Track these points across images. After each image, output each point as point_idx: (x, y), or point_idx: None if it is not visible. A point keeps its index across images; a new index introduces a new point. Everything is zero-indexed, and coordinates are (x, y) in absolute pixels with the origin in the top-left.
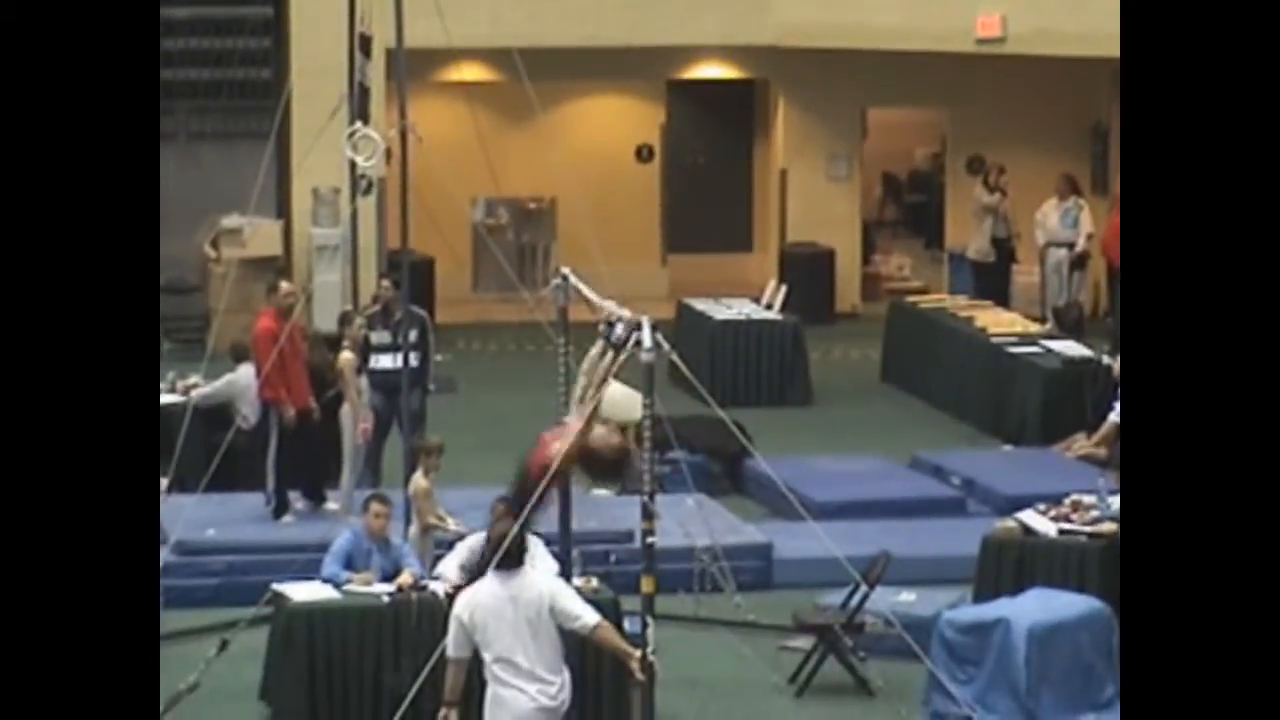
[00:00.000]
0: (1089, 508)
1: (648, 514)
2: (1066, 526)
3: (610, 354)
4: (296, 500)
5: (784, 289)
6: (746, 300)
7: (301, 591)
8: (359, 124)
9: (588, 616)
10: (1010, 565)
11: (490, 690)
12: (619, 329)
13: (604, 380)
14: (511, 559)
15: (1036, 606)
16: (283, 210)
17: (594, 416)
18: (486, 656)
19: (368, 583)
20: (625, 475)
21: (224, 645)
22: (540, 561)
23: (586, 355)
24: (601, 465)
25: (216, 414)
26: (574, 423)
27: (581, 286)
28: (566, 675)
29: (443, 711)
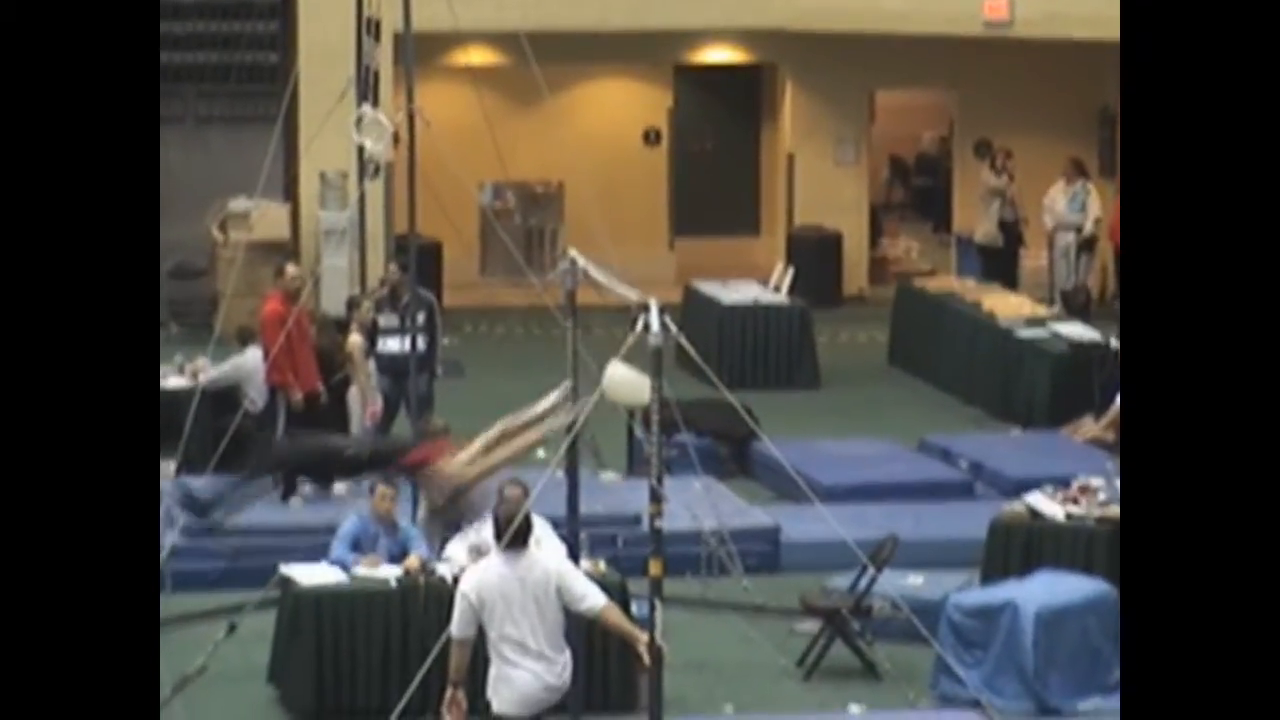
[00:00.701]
0: (1096, 491)
1: (655, 497)
2: (1074, 510)
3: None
4: (304, 483)
5: (791, 272)
6: (754, 284)
7: (309, 574)
8: (366, 107)
9: (594, 598)
10: (1018, 548)
11: (495, 669)
12: (551, 400)
13: (515, 452)
14: (518, 538)
15: (1044, 590)
16: (290, 194)
17: (486, 475)
18: (492, 635)
19: (375, 566)
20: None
21: (232, 628)
22: (548, 544)
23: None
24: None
25: (224, 397)
26: (466, 464)
27: (591, 269)
28: (568, 654)
29: (448, 691)
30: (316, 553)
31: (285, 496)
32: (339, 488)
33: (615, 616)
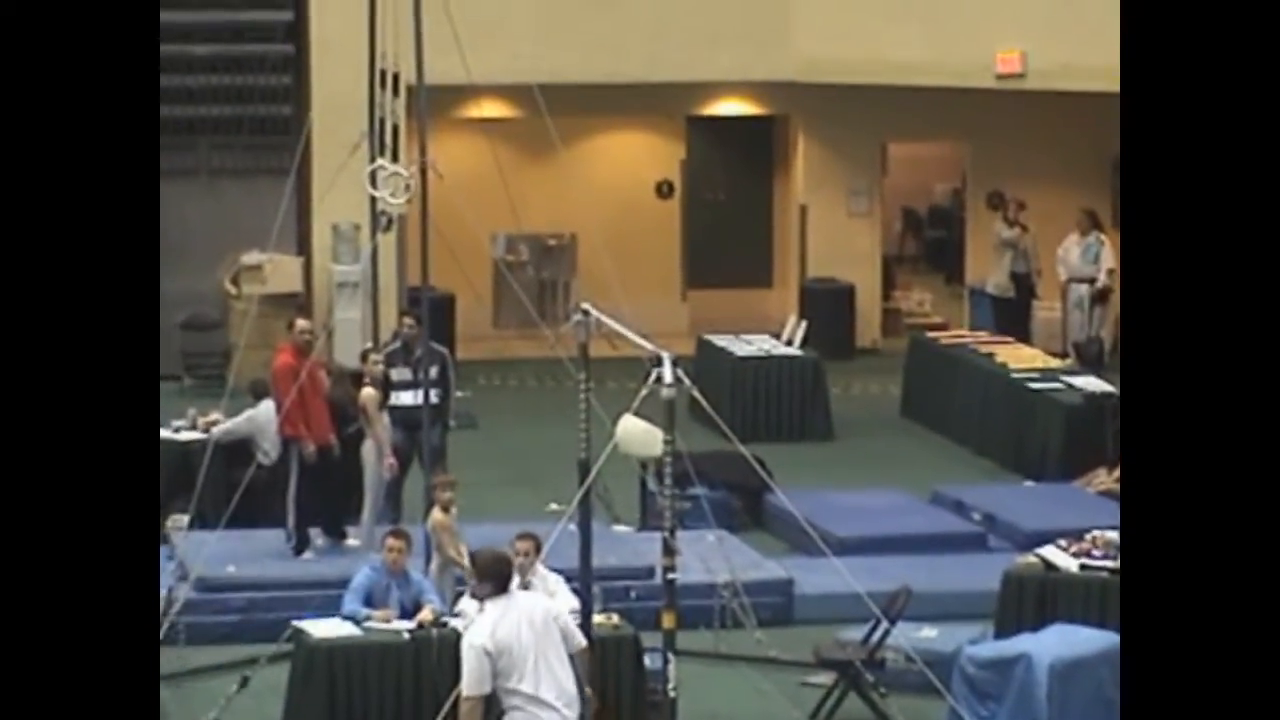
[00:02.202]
0: (1110, 543)
1: (668, 549)
2: (1087, 562)
3: None
4: (317, 536)
5: (804, 325)
6: (766, 336)
7: (322, 628)
8: (383, 160)
9: (580, 637)
10: (1031, 600)
11: (515, 716)
12: None
13: None
14: (503, 584)
15: (1058, 642)
16: (303, 246)
17: None
18: (509, 683)
19: (387, 619)
20: None
21: (245, 682)
22: (561, 596)
23: None
24: None
25: (237, 450)
26: None
27: (606, 319)
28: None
29: None
30: (329, 606)
31: (298, 551)
32: (352, 540)
33: (586, 663)
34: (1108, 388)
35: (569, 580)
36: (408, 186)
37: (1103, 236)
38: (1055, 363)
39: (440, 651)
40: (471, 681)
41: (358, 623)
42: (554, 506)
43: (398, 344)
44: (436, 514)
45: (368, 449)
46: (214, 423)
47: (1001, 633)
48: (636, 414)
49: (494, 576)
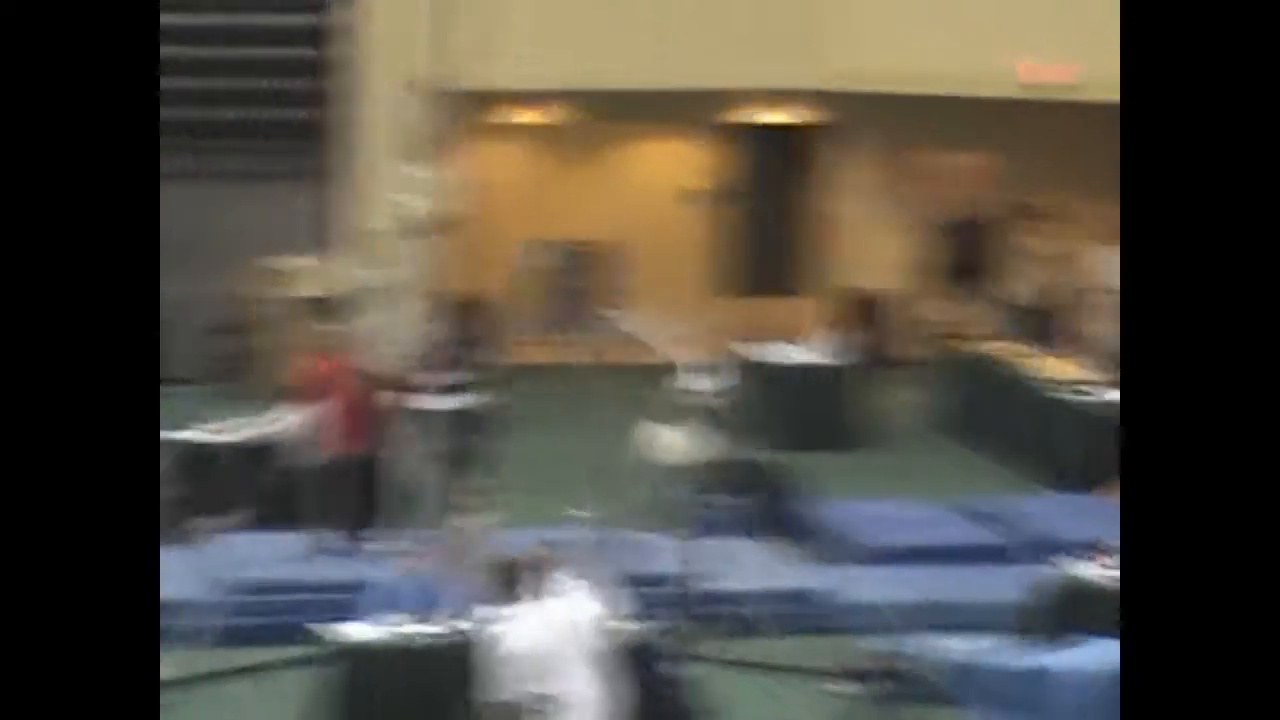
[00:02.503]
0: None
1: (691, 556)
2: (1110, 572)
3: None
4: (340, 540)
5: (839, 338)
6: (795, 344)
7: (339, 631)
8: (413, 165)
9: (599, 641)
10: (1055, 612)
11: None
12: None
13: None
14: (522, 589)
15: (1080, 653)
16: (334, 251)
17: None
18: (530, 687)
19: (403, 623)
20: None
21: (265, 685)
22: (581, 603)
23: None
24: None
25: (262, 454)
26: None
27: (636, 326)
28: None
29: None
30: (345, 609)
31: (319, 554)
32: (375, 545)
33: (604, 666)
34: None
35: (592, 587)
36: (439, 192)
37: None
38: (1085, 373)
39: (461, 656)
40: (492, 686)
41: (374, 626)
42: (574, 512)
43: (429, 349)
44: (461, 519)
45: (394, 454)
46: (239, 426)
47: (1024, 644)
48: (664, 421)
49: (511, 583)
